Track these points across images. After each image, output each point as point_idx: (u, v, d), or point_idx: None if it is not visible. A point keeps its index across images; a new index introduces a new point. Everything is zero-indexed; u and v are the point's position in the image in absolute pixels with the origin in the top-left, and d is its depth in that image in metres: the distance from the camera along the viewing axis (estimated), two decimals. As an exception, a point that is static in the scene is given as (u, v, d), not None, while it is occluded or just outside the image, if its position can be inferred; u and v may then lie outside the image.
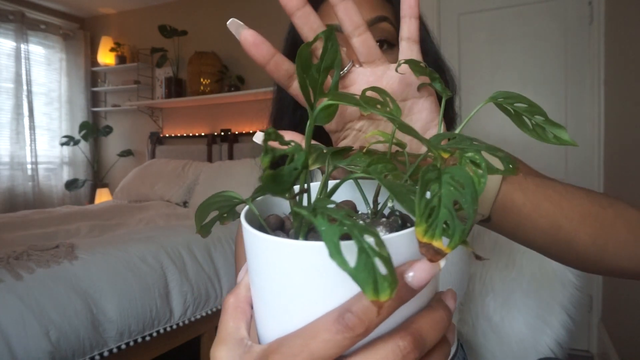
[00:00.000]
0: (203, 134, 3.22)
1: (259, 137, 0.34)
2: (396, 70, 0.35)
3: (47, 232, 1.85)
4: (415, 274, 0.20)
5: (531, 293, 0.81)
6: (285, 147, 0.23)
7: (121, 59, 3.54)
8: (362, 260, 0.17)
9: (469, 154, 0.22)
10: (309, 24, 0.33)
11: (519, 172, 0.22)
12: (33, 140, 3.39)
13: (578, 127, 2.06)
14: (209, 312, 1.75)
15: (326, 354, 0.20)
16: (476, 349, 0.82)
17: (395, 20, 0.59)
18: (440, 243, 0.18)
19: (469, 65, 2.24)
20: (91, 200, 3.59)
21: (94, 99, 3.83)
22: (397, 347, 0.20)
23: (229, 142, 3.04)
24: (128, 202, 2.83)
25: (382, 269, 0.17)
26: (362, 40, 0.35)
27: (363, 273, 0.16)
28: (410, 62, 0.33)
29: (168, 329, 1.58)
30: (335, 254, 0.16)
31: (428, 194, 0.20)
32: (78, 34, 3.71)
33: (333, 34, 0.28)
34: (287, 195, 0.23)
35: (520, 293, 0.81)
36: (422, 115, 0.37)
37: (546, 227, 0.39)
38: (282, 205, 0.30)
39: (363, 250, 0.17)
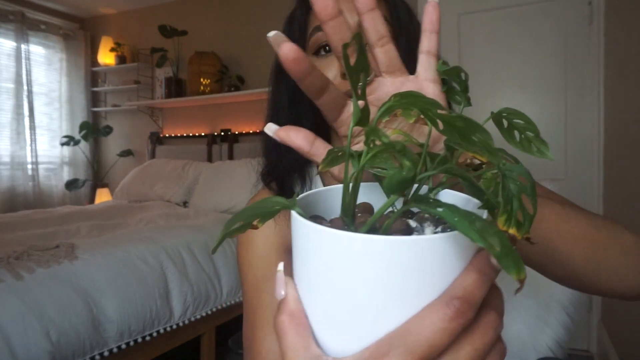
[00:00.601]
0: (203, 134, 3.22)
1: (270, 129, 0.34)
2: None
3: (47, 232, 1.86)
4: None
5: (531, 293, 0.81)
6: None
7: (121, 59, 3.54)
8: (505, 247, 0.19)
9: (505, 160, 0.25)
10: (340, 34, 0.32)
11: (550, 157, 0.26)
12: (33, 140, 3.39)
13: (577, 127, 2.07)
14: (209, 312, 1.75)
15: (442, 341, 0.20)
16: (476, 348, 0.82)
17: (390, 19, 0.60)
18: (515, 230, 0.21)
19: (469, 65, 2.24)
20: (91, 200, 3.59)
21: (94, 99, 3.83)
22: (442, 316, 0.20)
23: (229, 142, 3.04)
24: (128, 202, 2.83)
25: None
26: (385, 51, 0.35)
27: (507, 257, 0.18)
28: (444, 69, 0.35)
29: (168, 329, 1.58)
30: (481, 240, 0.18)
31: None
32: (78, 34, 3.71)
33: (362, 41, 0.28)
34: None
35: (520, 293, 0.81)
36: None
37: (542, 248, 0.41)
38: (324, 205, 0.29)
39: (499, 235, 0.19)
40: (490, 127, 0.33)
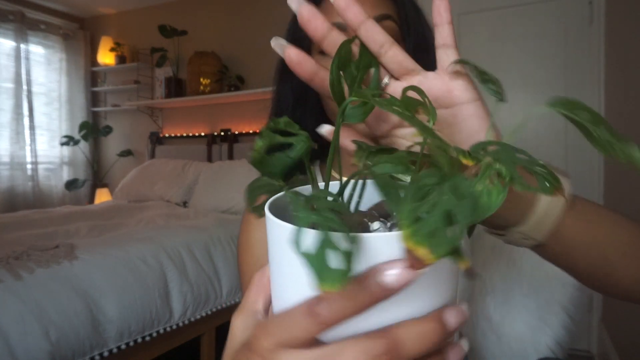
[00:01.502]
0: (203, 134, 3.22)
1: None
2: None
3: (47, 232, 1.85)
4: (391, 275, 0.19)
5: (531, 293, 0.81)
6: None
7: (121, 59, 3.54)
8: (317, 251, 0.18)
9: (497, 166, 0.20)
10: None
11: (558, 194, 0.20)
12: (33, 140, 3.39)
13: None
14: (209, 312, 1.75)
15: (297, 335, 0.21)
16: (476, 349, 0.82)
17: (398, 19, 0.59)
18: (424, 251, 0.17)
19: (469, 68, 2.23)
20: (91, 200, 3.59)
21: (93, 99, 3.83)
22: (367, 347, 0.20)
23: (229, 142, 3.04)
24: (128, 202, 2.83)
25: (335, 262, 0.17)
26: (390, 57, 0.34)
27: (315, 262, 0.17)
28: (460, 61, 0.32)
29: (168, 329, 1.58)
30: (296, 238, 0.18)
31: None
32: (78, 33, 3.71)
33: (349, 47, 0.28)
34: (280, 181, 0.25)
35: (520, 293, 0.81)
36: (469, 122, 0.34)
37: (594, 257, 0.38)
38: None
39: (322, 241, 0.18)
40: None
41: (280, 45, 0.32)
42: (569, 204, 0.36)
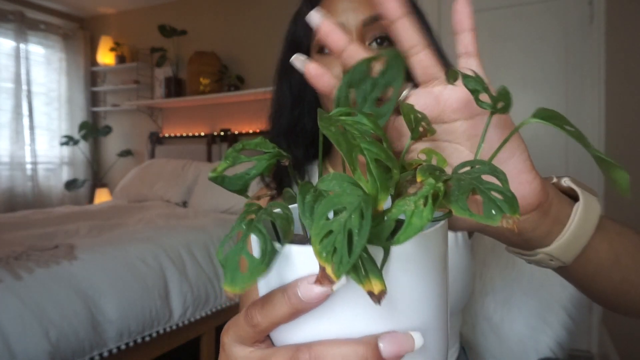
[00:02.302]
0: (203, 133, 3.22)
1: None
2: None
3: (47, 232, 1.85)
4: (306, 288, 0.21)
5: (531, 293, 0.81)
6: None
7: (121, 59, 3.54)
8: (230, 253, 0.20)
9: (438, 184, 0.19)
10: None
11: (503, 222, 0.18)
12: (33, 140, 3.39)
13: (578, 126, 2.05)
14: (209, 312, 1.75)
15: (241, 335, 0.24)
16: (476, 349, 0.82)
17: None
18: (330, 269, 0.18)
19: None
20: (91, 200, 3.58)
21: (93, 99, 3.82)
22: (292, 357, 0.22)
23: (229, 142, 3.04)
24: (127, 202, 2.83)
25: (249, 267, 0.19)
26: (417, 60, 0.32)
27: (227, 264, 0.19)
28: (451, 73, 0.29)
29: (168, 329, 1.57)
30: (220, 244, 0.21)
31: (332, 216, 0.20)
32: (78, 33, 3.71)
33: (399, 56, 0.28)
34: (243, 194, 0.27)
35: (520, 293, 0.81)
36: (489, 133, 0.31)
37: (617, 280, 0.36)
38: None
39: (237, 245, 0.20)
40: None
41: (300, 61, 0.33)
42: (598, 225, 0.34)
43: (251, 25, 3.05)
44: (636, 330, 1.47)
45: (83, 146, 3.61)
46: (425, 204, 0.19)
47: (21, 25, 3.28)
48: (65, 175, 3.64)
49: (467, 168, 0.22)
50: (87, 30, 3.81)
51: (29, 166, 3.38)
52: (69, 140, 3.41)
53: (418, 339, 0.21)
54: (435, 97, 0.32)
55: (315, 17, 0.32)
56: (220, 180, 0.25)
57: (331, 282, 0.18)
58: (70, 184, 3.43)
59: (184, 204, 2.76)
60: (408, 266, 0.21)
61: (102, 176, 3.75)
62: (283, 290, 0.22)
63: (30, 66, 3.38)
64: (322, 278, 0.19)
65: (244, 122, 3.10)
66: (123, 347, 1.41)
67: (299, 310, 0.21)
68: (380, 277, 0.19)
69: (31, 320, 1.19)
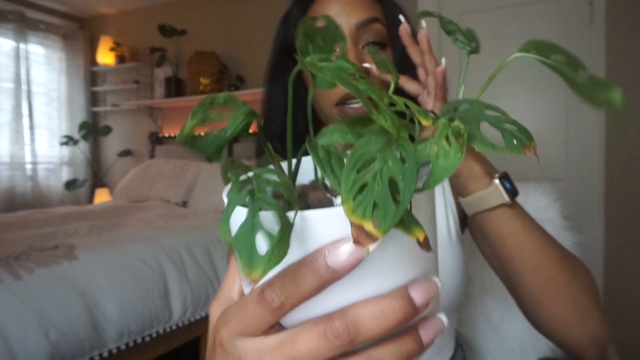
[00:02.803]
0: (202, 133, 3.21)
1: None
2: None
3: (47, 232, 1.85)
4: (337, 255, 0.18)
5: (531, 293, 0.81)
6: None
7: (121, 59, 3.54)
8: (242, 232, 0.17)
9: (455, 124, 0.18)
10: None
11: (527, 151, 0.19)
12: (32, 140, 3.39)
13: (578, 127, 2.06)
14: (209, 312, 1.75)
15: (250, 324, 0.21)
16: (476, 349, 0.82)
17: (385, 20, 0.60)
18: (371, 225, 0.16)
19: (469, 65, 2.23)
20: (90, 200, 3.58)
21: (93, 99, 3.82)
22: (325, 328, 0.19)
23: (229, 142, 3.03)
24: (127, 202, 2.83)
25: (265, 247, 0.16)
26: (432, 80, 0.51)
27: (241, 245, 0.16)
28: (425, 13, 0.33)
29: (167, 329, 1.57)
30: (222, 222, 0.17)
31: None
32: (78, 33, 3.70)
33: (331, 19, 0.28)
34: (218, 159, 0.24)
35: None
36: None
37: (503, 257, 0.50)
38: (304, 175, 0.30)
39: (247, 222, 0.17)
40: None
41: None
42: (509, 210, 0.48)
43: (251, 25, 3.05)
44: (636, 330, 1.47)
45: (83, 146, 3.61)
46: (449, 144, 0.18)
47: (21, 25, 3.28)
48: (65, 175, 3.64)
49: (457, 108, 0.22)
50: (87, 30, 3.80)
51: (29, 166, 3.37)
52: (69, 140, 3.41)
53: (439, 283, 0.22)
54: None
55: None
56: (190, 141, 0.22)
57: (373, 240, 0.17)
58: (70, 184, 3.42)
59: (184, 204, 2.76)
60: (418, 215, 0.20)
61: (102, 176, 3.74)
62: (306, 262, 0.19)
63: (30, 66, 3.38)
64: (363, 237, 0.17)
65: (243, 122, 3.09)
66: (123, 347, 1.41)
67: (328, 281, 0.19)
68: (419, 224, 0.18)
69: (31, 320, 1.19)
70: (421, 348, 0.21)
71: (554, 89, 2.11)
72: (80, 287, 1.35)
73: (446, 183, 0.67)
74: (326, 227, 0.19)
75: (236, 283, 0.28)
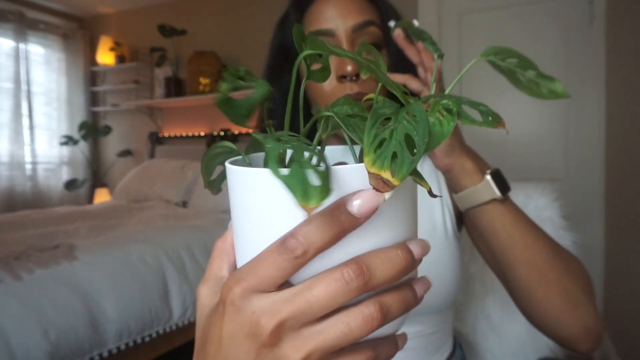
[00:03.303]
0: (202, 133, 3.22)
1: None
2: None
3: (46, 233, 1.85)
4: (359, 202, 0.20)
5: (531, 293, 0.81)
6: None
7: (120, 59, 3.54)
8: (294, 169, 0.18)
9: (444, 101, 0.22)
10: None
11: (499, 126, 0.22)
12: (32, 140, 3.38)
13: (579, 127, 2.06)
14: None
15: (270, 275, 0.21)
16: (476, 349, 0.82)
17: (381, 23, 0.61)
18: (389, 174, 0.19)
19: (471, 66, 2.23)
20: (90, 200, 3.58)
21: (93, 99, 3.82)
22: (341, 274, 0.21)
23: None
24: (127, 203, 2.83)
25: (315, 181, 0.18)
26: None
27: (293, 180, 0.18)
28: (401, 24, 0.35)
29: (167, 329, 1.57)
30: (271, 162, 0.18)
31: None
32: (77, 33, 3.70)
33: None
34: (245, 122, 0.26)
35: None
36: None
37: (497, 251, 0.51)
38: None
39: (297, 161, 0.19)
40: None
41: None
42: (500, 203, 0.50)
43: (251, 25, 3.05)
44: (636, 330, 1.47)
45: (83, 146, 3.61)
46: (443, 116, 0.21)
47: (21, 25, 3.28)
48: (65, 175, 3.64)
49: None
50: (87, 30, 3.80)
51: (28, 166, 3.37)
52: (68, 140, 3.41)
53: (429, 243, 0.25)
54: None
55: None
56: (225, 102, 0.24)
57: (390, 188, 0.19)
58: (70, 184, 3.42)
59: (184, 204, 2.76)
60: (404, 200, 0.24)
61: (101, 176, 3.74)
62: (328, 210, 0.21)
63: (30, 66, 3.38)
64: (381, 185, 0.19)
65: (243, 122, 3.09)
66: (123, 347, 1.41)
67: (348, 229, 0.21)
68: (423, 177, 0.21)
69: (31, 320, 1.19)
70: (416, 299, 0.24)
71: (553, 89, 2.11)
72: (80, 287, 1.35)
73: (442, 181, 0.67)
74: (347, 180, 0.21)
75: (225, 263, 0.28)
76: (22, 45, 3.30)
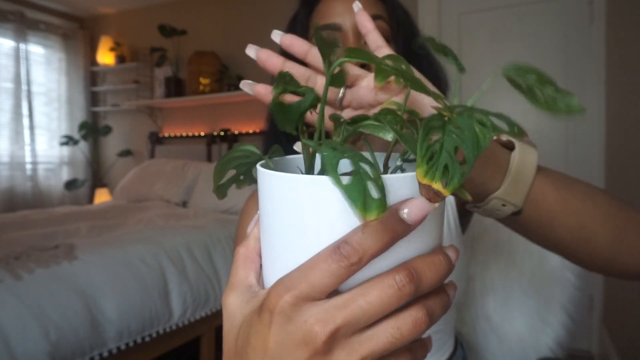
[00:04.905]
0: (202, 133, 3.22)
1: (245, 85, 0.38)
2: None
3: (47, 233, 1.85)
4: (410, 210, 0.21)
5: (531, 293, 0.81)
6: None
7: (121, 59, 3.54)
8: (356, 180, 0.19)
9: (477, 115, 0.23)
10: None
11: (523, 136, 0.23)
12: (32, 140, 3.39)
13: (579, 127, 2.06)
14: (209, 312, 1.75)
15: (323, 282, 0.21)
16: (476, 349, 0.82)
17: (389, 18, 0.62)
18: (440, 185, 0.19)
19: (470, 65, 2.23)
20: (90, 200, 3.58)
21: (93, 99, 3.82)
22: (393, 280, 0.21)
23: (229, 142, 3.04)
24: (127, 202, 2.83)
25: (374, 193, 0.19)
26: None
27: (354, 192, 0.18)
28: (427, 39, 0.34)
29: (167, 329, 1.57)
30: (332, 171, 0.19)
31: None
32: (78, 33, 3.71)
33: (317, 26, 0.31)
34: (294, 129, 0.26)
35: (520, 293, 0.81)
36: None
37: (572, 225, 0.39)
38: (298, 167, 0.32)
39: (358, 172, 0.19)
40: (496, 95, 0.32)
41: (253, 48, 0.39)
42: (540, 169, 0.39)
43: (251, 24, 3.05)
44: (636, 330, 1.47)
45: (83, 146, 3.61)
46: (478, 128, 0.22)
47: (21, 25, 3.28)
48: (65, 175, 3.64)
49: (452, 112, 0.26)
50: (87, 30, 3.80)
51: (28, 166, 3.37)
52: (68, 140, 3.41)
53: (459, 248, 0.26)
54: (366, 87, 0.38)
55: (275, 36, 0.40)
56: (278, 107, 0.24)
57: (441, 199, 0.20)
58: (70, 184, 3.42)
59: (184, 204, 2.76)
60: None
61: (102, 176, 3.75)
62: (381, 219, 0.21)
63: (30, 66, 3.38)
64: (432, 195, 0.20)
65: (244, 122, 3.10)
66: (123, 347, 1.41)
67: (400, 235, 0.21)
68: (466, 188, 0.22)
69: (31, 320, 1.19)
70: (450, 302, 0.25)
71: (554, 89, 2.11)
72: (80, 287, 1.35)
73: None
74: (396, 188, 0.22)
75: (251, 270, 0.28)
76: (22, 45, 3.30)
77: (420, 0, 2.32)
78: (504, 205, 0.38)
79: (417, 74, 0.38)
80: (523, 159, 0.37)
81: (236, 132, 3.06)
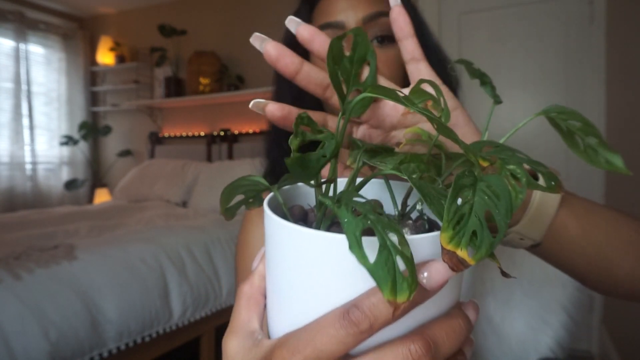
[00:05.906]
0: (202, 133, 3.22)
1: (256, 106, 0.31)
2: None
3: (46, 233, 1.85)
4: (431, 275, 0.19)
5: (531, 293, 0.81)
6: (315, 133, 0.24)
7: (120, 59, 3.54)
8: (382, 256, 0.16)
9: (511, 167, 0.20)
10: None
11: (560, 191, 0.21)
12: (32, 140, 3.39)
13: (578, 127, 2.06)
14: (209, 312, 1.75)
15: (330, 349, 0.19)
16: (476, 349, 0.82)
17: None
18: (465, 253, 0.17)
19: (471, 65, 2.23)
20: (90, 200, 3.58)
21: (93, 99, 3.82)
22: (408, 350, 0.19)
23: (229, 142, 3.04)
24: (127, 202, 2.83)
25: (402, 267, 0.16)
26: (411, 70, 0.36)
27: (382, 271, 0.16)
28: (461, 61, 0.31)
29: (167, 329, 1.57)
30: (355, 246, 0.16)
31: (460, 201, 0.19)
32: (77, 33, 3.70)
33: (361, 30, 0.28)
34: (312, 182, 0.23)
35: (521, 293, 0.81)
36: (457, 131, 0.35)
37: (592, 255, 0.38)
38: (307, 197, 0.29)
39: (385, 246, 0.16)
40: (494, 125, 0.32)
41: (260, 40, 0.30)
42: (562, 200, 0.36)
43: (251, 24, 3.05)
44: (636, 330, 1.47)
45: (83, 146, 3.61)
46: (511, 185, 0.20)
47: (21, 25, 3.28)
48: (65, 175, 3.64)
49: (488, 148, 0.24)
50: (87, 30, 3.80)
51: (28, 166, 3.37)
52: (68, 140, 3.41)
53: (478, 303, 0.24)
54: (393, 107, 0.33)
55: (290, 24, 0.32)
56: (298, 163, 0.21)
57: (465, 267, 0.18)
58: (70, 184, 3.42)
59: (184, 204, 2.75)
60: None
61: (101, 176, 3.74)
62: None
63: (30, 66, 3.38)
64: (455, 263, 0.18)
65: (244, 122, 3.10)
66: (123, 347, 1.41)
67: (417, 301, 0.20)
68: (496, 256, 0.20)
69: (31, 320, 1.19)
70: (470, 325, 0.23)
71: (554, 90, 2.11)
72: (80, 287, 1.35)
73: None
74: (416, 248, 0.19)
75: (254, 313, 0.26)
76: (22, 45, 3.30)
77: (420, 0, 2.31)
78: (521, 239, 0.37)
79: (453, 101, 0.35)
80: (545, 196, 0.36)
81: (236, 132, 3.06)
